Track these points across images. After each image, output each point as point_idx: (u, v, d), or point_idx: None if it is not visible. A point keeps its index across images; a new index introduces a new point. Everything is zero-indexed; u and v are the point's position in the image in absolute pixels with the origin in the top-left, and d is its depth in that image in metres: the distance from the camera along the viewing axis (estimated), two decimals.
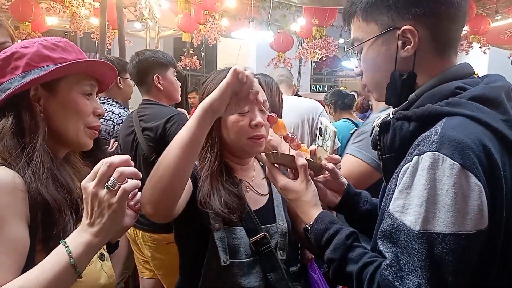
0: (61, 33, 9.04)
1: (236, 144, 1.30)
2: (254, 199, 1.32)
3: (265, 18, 5.54)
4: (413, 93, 0.95)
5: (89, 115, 1.10)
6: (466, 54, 5.80)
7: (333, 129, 1.23)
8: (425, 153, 0.80)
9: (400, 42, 0.94)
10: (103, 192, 0.88)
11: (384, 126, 0.96)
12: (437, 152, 0.79)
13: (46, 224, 0.97)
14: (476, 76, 0.98)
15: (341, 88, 4.25)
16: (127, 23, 5.24)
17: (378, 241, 0.88)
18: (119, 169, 0.89)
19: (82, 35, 5.35)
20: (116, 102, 2.73)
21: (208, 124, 1.03)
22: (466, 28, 5.38)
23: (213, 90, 1.15)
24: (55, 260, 0.88)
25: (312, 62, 9.13)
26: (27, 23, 5.25)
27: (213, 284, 1.22)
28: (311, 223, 1.05)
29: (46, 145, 1.01)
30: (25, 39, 5.22)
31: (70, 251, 0.88)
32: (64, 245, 0.89)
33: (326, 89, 11.40)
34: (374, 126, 1.02)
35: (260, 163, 1.46)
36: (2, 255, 0.88)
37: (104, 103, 2.65)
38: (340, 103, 3.70)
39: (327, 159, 1.20)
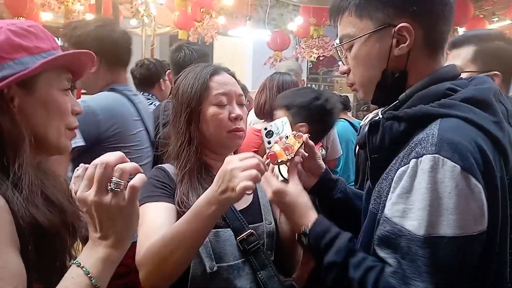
0: (56, 29, 8.98)
1: (216, 138, 1.28)
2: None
3: (262, 17, 5.52)
4: (404, 93, 0.94)
5: (70, 114, 0.95)
6: None
7: (281, 118, 1.24)
8: (424, 156, 0.79)
9: (394, 39, 0.92)
10: (108, 198, 0.76)
11: (374, 125, 0.95)
12: (437, 155, 0.78)
13: (43, 254, 0.84)
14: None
15: (335, 92, 4.25)
16: (122, 20, 5.20)
17: (376, 247, 0.87)
18: (119, 166, 0.77)
19: None
20: (159, 100, 2.93)
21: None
22: (463, 29, 5.39)
23: (188, 86, 1.25)
24: (73, 284, 0.76)
25: (308, 61, 9.12)
26: (21, 18, 5.19)
27: None
28: (309, 225, 1.02)
29: (31, 156, 0.85)
30: None
31: (88, 271, 0.76)
32: (78, 265, 0.77)
33: (322, 89, 11.39)
34: (362, 125, 1.01)
35: None
36: (8, 286, 0.74)
37: (149, 99, 2.83)
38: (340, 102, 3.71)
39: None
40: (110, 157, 0.78)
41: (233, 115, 1.27)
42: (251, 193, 1.33)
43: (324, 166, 1.24)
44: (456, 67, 1.00)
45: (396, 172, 0.86)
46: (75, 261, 0.79)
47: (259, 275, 1.21)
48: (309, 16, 4.87)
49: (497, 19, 5.21)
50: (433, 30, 0.94)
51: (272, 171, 1.15)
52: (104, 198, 0.76)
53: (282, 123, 1.23)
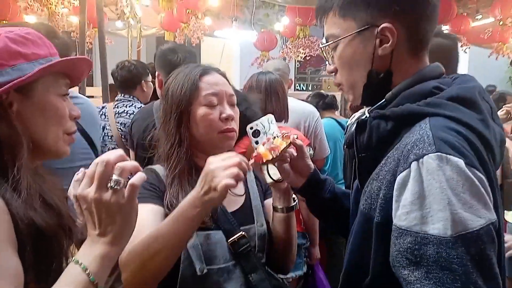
0: None
1: (207, 139, 1.26)
2: (229, 200, 1.23)
3: (248, 18, 5.52)
4: (390, 92, 0.94)
5: (67, 119, 0.96)
6: None
7: (266, 116, 1.22)
8: (426, 156, 0.78)
9: (378, 40, 0.92)
10: (107, 195, 0.78)
11: (361, 124, 0.94)
12: (439, 153, 0.77)
13: (41, 256, 0.84)
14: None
15: (321, 91, 4.26)
16: (108, 22, 5.15)
17: (395, 268, 0.80)
18: (119, 165, 0.79)
19: (62, 34, 5.24)
20: (140, 102, 2.91)
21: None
22: (447, 27, 5.45)
23: (178, 87, 1.24)
24: (72, 281, 0.77)
25: (296, 61, 9.15)
26: (4, 21, 5.11)
27: None
28: None
29: (29, 161, 0.86)
30: None
31: (86, 268, 0.77)
32: (76, 263, 0.78)
33: (310, 88, 11.43)
34: (349, 124, 1.01)
35: None
36: (8, 285, 0.75)
37: (130, 100, 2.83)
38: (322, 103, 3.75)
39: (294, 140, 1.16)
40: (110, 155, 0.80)
41: (224, 115, 1.24)
42: (243, 194, 1.34)
43: (312, 166, 1.23)
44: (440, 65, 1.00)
45: (391, 175, 0.84)
46: (73, 258, 0.80)
47: (250, 278, 1.20)
48: (295, 16, 4.88)
49: (480, 16, 5.29)
50: (416, 30, 0.94)
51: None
52: (104, 195, 0.77)
53: (268, 121, 1.21)
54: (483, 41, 5.57)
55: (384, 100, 0.95)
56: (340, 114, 4.67)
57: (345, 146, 1.04)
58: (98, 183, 0.77)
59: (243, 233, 1.22)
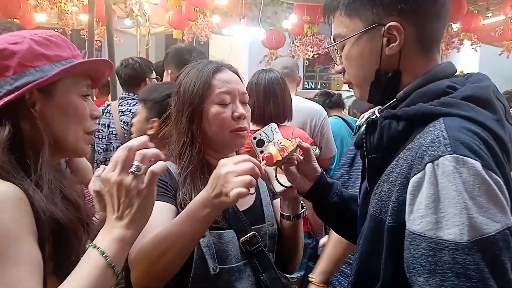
0: (50, 30, 8.93)
1: (218, 138, 1.25)
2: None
3: (257, 15, 5.51)
4: (401, 91, 0.92)
5: (87, 118, 1.00)
6: (457, 52, 5.82)
7: (269, 125, 1.20)
8: (442, 158, 0.75)
9: (385, 39, 0.91)
10: (128, 179, 0.82)
11: (371, 125, 0.92)
12: (455, 154, 0.75)
13: (60, 249, 0.89)
14: (460, 74, 0.97)
15: (328, 90, 4.24)
16: (117, 20, 5.18)
17: (409, 274, 0.78)
18: (141, 151, 0.83)
19: (71, 32, 5.28)
20: None
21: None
22: (457, 25, 5.40)
23: (190, 84, 1.23)
24: (90, 265, 0.81)
25: (305, 59, 9.12)
26: (15, 19, 5.16)
27: None
28: None
29: (50, 158, 0.91)
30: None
31: (103, 251, 0.81)
32: (94, 247, 0.82)
33: (318, 87, 11.39)
34: (358, 125, 0.99)
35: None
36: (27, 274, 0.78)
37: (134, 99, 2.80)
38: (328, 101, 3.75)
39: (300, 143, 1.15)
40: (134, 141, 0.85)
41: (236, 114, 1.23)
42: (254, 193, 1.33)
43: (319, 169, 1.21)
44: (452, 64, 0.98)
45: (404, 177, 0.82)
46: (91, 243, 0.83)
47: (262, 278, 1.20)
48: (303, 14, 4.87)
49: (491, 14, 5.22)
50: (425, 28, 0.92)
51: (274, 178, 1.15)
52: (125, 179, 0.82)
53: (271, 130, 1.19)
54: (493, 39, 5.51)
55: (395, 99, 0.93)
56: (349, 114, 4.65)
57: (354, 147, 1.01)
58: (120, 167, 0.82)
59: (255, 232, 1.22)
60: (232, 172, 0.96)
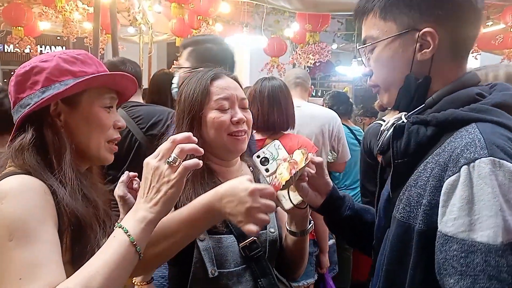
0: (53, 38, 9.00)
1: (217, 142, 1.26)
2: None
3: (259, 24, 5.56)
4: (430, 98, 0.92)
5: (110, 128, 1.09)
6: None
7: (272, 142, 1.17)
8: (478, 160, 0.75)
9: (418, 44, 0.91)
10: (164, 167, 0.90)
11: (398, 130, 0.92)
12: (492, 157, 0.75)
13: (77, 241, 0.97)
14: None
15: (345, 90, 4.23)
16: (120, 28, 5.22)
17: (440, 276, 0.77)
18: (180, 146, 0.91)
19: (75, 39, 5.33)
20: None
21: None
22: None
23: (190, 92, 1.26)
24: (115, 242, 0.88)
25: (306, 67, 9.16)
26: (19, 27, 5.21)
27: None
28: None
29: (72, 162, 1.01)
30: (18, 43, 5.21)
31: (127, 230, 0.89)
32: (120, 227, 0.90)
33: (319, 94, 11.42)
34: (383, 130, 0.99)
35: (250, 167, 1.41)
36: (50, 252, 0.88)
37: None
38: (336, 109, 3.71)
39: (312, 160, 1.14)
40: (178, 135, 0.94)
41: (234, 119, 1.25)
42: None
43: (331, 183, 1.19)
44: None
45: (437, 181, 0.81)
46: (117, 223, 0.92)
47: (260, 283, 1.21)
48: (305, 23, 4.90)
49: (491, 23, 5.25)
50: (458, 35, 0.91)
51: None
52: (161, 166, 0.91)
53: (275, 147, 1.16)
54: (494, 47, 5.53)
55: (423, 105, 0.93)
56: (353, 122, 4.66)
57: (378, 153, 1.02)
58: (161, 155, 0.92)
59: (255, 238, 1.23)
60: (256, 208, 0.95)
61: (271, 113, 2.33)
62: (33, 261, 0.85)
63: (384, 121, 2.91)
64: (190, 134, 0.95)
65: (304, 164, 1.07)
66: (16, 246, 0.85)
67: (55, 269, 0.86)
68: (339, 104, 3.79)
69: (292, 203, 1.16)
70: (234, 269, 1.20)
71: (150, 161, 0.93)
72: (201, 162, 0.93)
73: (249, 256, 1.21)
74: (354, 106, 4.10)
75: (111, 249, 0.87)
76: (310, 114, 2.86)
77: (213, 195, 1.02)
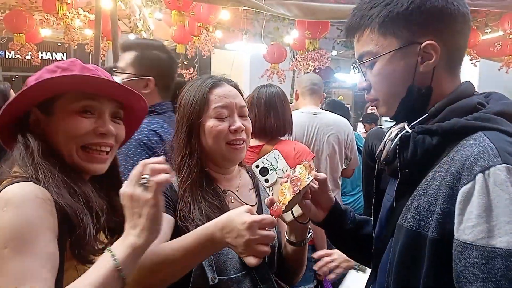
0: (55, 44, 9.03)
1: (215, 151, 1.26)
2: None
3: (259, 31, 5.58)
4: (433, 107, 0.94)
5: (83, 134, 1.05)
6: None
7: (272, 152, 1.16)
8: (493, 168, 0.77)
9: (419, 57, 0.92)
10: (138, 190, 0.91)
11: (404, 140, 0.93)
12: (506, 164, 0.77)
13: (72, 234, 0.99)
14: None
15: (339, 98, 4.25)
16: (121, 35, 5.25)
17: (460, 284, 0.77)
18: (150, 166, 0.93)
19: (76, 46, 5.35)
20: None
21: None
22: None
23: (189, 100, 1.26)
24: (101, 266, 0.89)
25: (305, 73, 9.17)
26: (21, 34, 5.24)
27: None
28: None
29: (46, 160, 1.02)
30: (19, 50, 5.23)
31: (114, 254, 0.90)
32: (108, 250, 0.91)
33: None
34: (386, 140, 0.99)
35: (249, 173, 1.42)
36: (40, 266, 0.88)
37: None
38: (340, 114, 3.72)
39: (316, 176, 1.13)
40: (150, 159, 0.95)
41: (233, 127, 1.25)
42: (255, 205, 1.34)
43: (334, 198, 1.19)
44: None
45: (449, 189, 0.82)
46: (108, 248, 0.93)
47: None
48: (305, 30, 4.92)
49: (489, 30, 5.28)
50: (453, 47, 0.94)
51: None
52: (134, 191, 0.92)
53: (275, 157, 1.16)
54: (493, 54, 5.56)
55: (426, 114, 0.94)
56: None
57: (383, 163, 1.02)
58: (130, 180, 0.93)
59: None
60: (255, 240, 0.98)
61: (268, 118, 2.35)
62: (21, 274, 0.86)
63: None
64: (162, 157, 0.96)
65: (307, 182, 1.05)
66: (9, 255, 0.87)
67: (41, 285, 0.86)
68: (336, 110, 3.81)
69: (293, 216, 1.15)
70: (234, 275, 1.20)
71: (125, 190, 0.93)
72: (167, 176, 0.93)
73: None
74: (350, 112, 4.11)
75: (97, 272, 0.89)
76: (326, 122, 2.89)
77: (214, 225, 1.04)
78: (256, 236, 0.97)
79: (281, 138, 2.43)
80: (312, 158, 2.51)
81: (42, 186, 0.96)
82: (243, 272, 1.22)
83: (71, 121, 1.05)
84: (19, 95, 1.02)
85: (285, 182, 1.06)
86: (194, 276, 1.16)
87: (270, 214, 1.03)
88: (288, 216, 1.16)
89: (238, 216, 1.01)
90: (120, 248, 0.91)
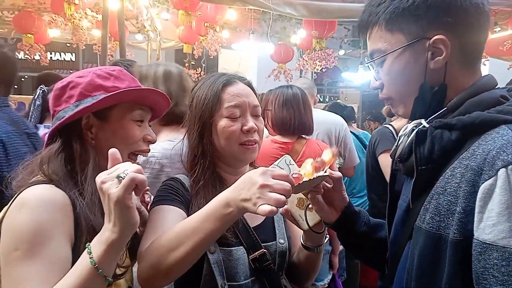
0: (63, 45, 9.10)
1: (227, 151, 1.24)
2: (252, 214, 1.22)
3: (266, 30, 5.57)
4: (452, 100, 0.90)
5: (137, 141, 1.13)
6: None
7: (283, 157, 1.13)
8: None
9: (429, 52, 0.89)
10: (107, 184, 0.87)
11: (421, 135, 0.89)
12: None
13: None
14: None
15: (338, 101, 4.27)
16: (128, 35, 5.28)
17: (480, 286, 0.73)
18: (138, 166, 0.90)
19: (84, 47, 5.39)
20: None
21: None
22: None
23: (201, 98, 1.24)
24: (80, 266, 0.89)
25: (313, 73, 9.15)
26: (29, 35, 5.29)
27: None
28: None
29: (84, 166, 1.05)
30: (28, 50, 5.28)
31: (90, 252, 0.89)
32: (87, 247, 0.90)
33: (327, 100, 11.42)
34: (402, 135, 0.95)
35: None
36: (47, 271, 0.89)
37: None
38: (340, 114, 3.74)
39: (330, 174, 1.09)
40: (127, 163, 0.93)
41: (245, 127, 1.22)
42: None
43: (347, 199, 1.15)
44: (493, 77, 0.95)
45: (470, 186, 0.77)
46: (87, 244, 0.92)
47: None
48: (312, 29, 4.91)
49: (499, 29, 5.23)
50: (468, 41, 0.89)
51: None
52: (108, 181, 0.87)
53: (286, 163, 1.13)
54: (502, 53, 5.50)
55: (444, 108, 0.90)
56: (357, 126, 4.67)
57: (398, 161, 0.97)
58: (109, 171, 0.89)
59: (265, 250, 1.21)
60: (269, 187, 0.90)
61: (304, 116, 2.39)
62: (27, 277, 0.88)
63: (391, 125, 2.92)
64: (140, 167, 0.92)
65: (322, 175, 1.02)
66: (19, 258, 0.89)
67: None
68: (339, 111, 3.84)
69: (309, 226, 1.14)
70: (244, 281, 1.18)
71: (97, 178, 0.89)
72: (145, 180, 0.88)
73: (258, 268, 1.20)
74: (356, 111, 4.13)
75: (75, 272, 0.88)
76: (316, 120, 2.89)
77: (228, 189, 0.98)
78: (269, 182, 0.90)
79: (307, 138, 2.45)
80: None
81: (66, 191, 0.97)
82: (253, 278, 1.20)
83: (130, 128, 1.11)
84: (98, 102, 1.05)
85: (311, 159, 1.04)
86: (203, 281, 1.15)
87: None
88: (304, 225, 1.15)
89: (254, 171, 0.95)
90: (97, 245, 0.89)
